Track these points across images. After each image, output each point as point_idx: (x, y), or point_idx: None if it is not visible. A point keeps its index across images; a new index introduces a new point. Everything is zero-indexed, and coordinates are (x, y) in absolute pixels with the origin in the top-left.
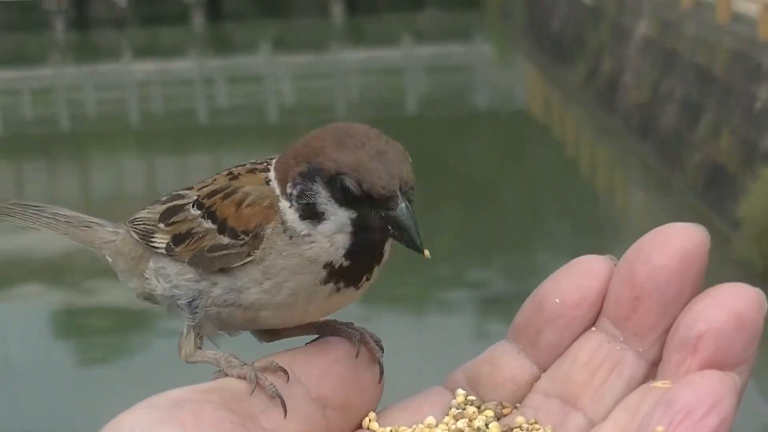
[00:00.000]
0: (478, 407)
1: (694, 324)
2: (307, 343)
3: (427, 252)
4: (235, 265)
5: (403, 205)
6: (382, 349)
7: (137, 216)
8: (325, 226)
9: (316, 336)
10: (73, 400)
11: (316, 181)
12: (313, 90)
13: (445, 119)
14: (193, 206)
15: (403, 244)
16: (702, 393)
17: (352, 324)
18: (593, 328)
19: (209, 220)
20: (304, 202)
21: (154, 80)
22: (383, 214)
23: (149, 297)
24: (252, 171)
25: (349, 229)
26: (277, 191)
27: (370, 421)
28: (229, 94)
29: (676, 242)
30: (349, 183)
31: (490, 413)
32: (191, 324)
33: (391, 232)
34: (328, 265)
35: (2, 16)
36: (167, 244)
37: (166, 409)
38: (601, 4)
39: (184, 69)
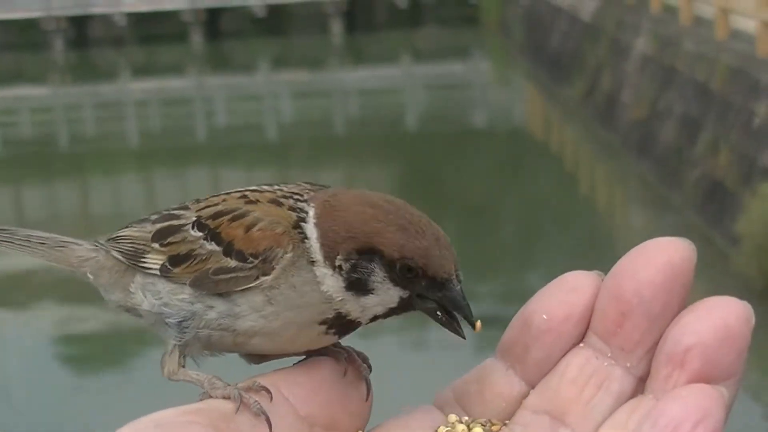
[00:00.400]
0: (468, 425)
1: (681, 338)
2: (294, 364)
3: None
4: (241, 288)
5: (459, 287)
6: (369, 367)
7: (120, 234)
8: (369, 300)
9: (303, 357)
10: (68, 414)
11: (374, 261)
12: (312, 108)
13: (444, 136)
14: (193, 227)
15: (446, 324)
16: (689, 407)
17: (339, 343)
18: (581, 344)
19: (213, 242)
20: (356, 277)
21: (152, 99)
22: (440, 294)
23: (131, 310)
24: (277, 204)
25: (393, 305)
26: (317, 253)
27: None
28: (228, 113)
29: (661, 257)
30: (414, 268)
31: (479, 430)
32: (176, 343)
33: (438, 312)
34: (337, 313)
35: (1, 36)
36: (162, 264)
37: None
38: (599, 21)
39: (183, 88)
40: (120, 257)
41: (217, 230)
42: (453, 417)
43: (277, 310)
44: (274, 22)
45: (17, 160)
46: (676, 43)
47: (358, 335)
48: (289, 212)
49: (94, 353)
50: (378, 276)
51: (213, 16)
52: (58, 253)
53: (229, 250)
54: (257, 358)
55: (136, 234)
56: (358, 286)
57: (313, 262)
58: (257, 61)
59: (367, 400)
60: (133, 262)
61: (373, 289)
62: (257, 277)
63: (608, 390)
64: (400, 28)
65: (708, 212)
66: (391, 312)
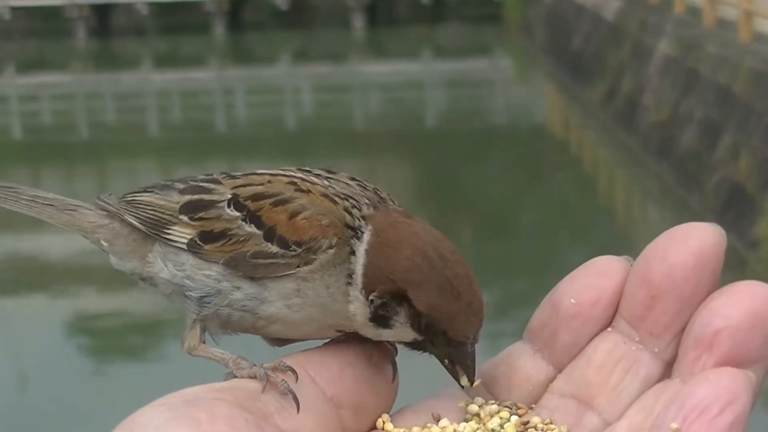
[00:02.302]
0: (493, 408)
1: (710, 321)
2: (320, 345)
3: (477, 383)
4: (280, 274)
5: (472, 349)
6: (395, 349)
7: (139, 199)
8: (386, 332)
9: (329, 339)
10: (85, 402)
11: (402, 306)
12: (332, 102)
13: (463, 134)
14: (229, 206)
15: (450, 371)
16: (717, 390)
17: None
18: (609, 329)
19: (252, 225)
20: (382, 314)
21: (173, 89)
22: (452, 351)
23: (146, 279)
24: (329, 198)
25: (406, 341)
26: (357, 278)
27: (384, 422)
28: (249, 105)
29: (692, 241)
30: (436, 325)
31: (505, 414)
32: (196, 318)
33: (445, 360)
34: (355, 333)
35: (24, 23)
36: (191, 239)
37: (179, 408)
38: (622, 21)
39: (204, 79)
40: (137, 223)
41: (258, 213)
42: (479, 400)
43: (304, 302)
44: (297, 15)
45: (37, 147)
46: (699, 46)
47: None
48: (344, 212)
49: (113, 339)
50: (401, 318)
51: (236, 7)
52: (68, 216)
53: (270, 235)
54: (280, 340)
55: (161, 202)
56: (381, 320)
57: (350, 283)
58: (279, 53)
59: (393, 381)
60: (154, 231)
61: (393, 326)
62: (298, 266)
63: (636, 375)
64: (422, 24)
65: (727, 216)
66: (402, 344)
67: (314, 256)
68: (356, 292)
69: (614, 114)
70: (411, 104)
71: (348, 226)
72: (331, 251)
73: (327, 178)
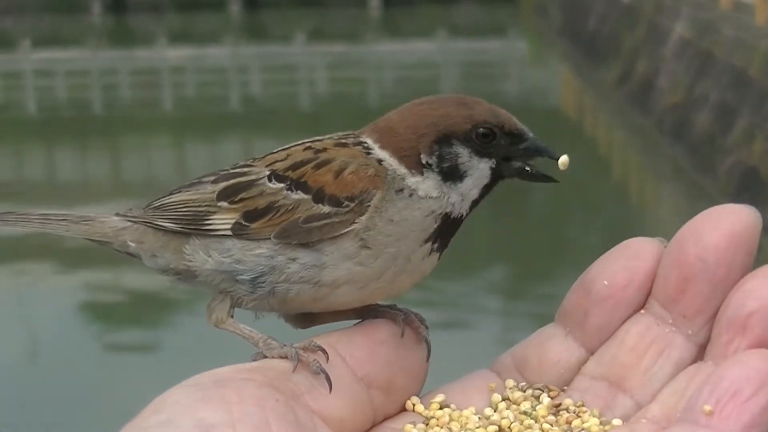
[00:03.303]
0: (525, 390)
1: (744, 302)
2: (350, 326)
3: (564, 158)
4: (336, 234)
5: (532, 134)
6: (426, 327)
7: (167, 202)
8: (466, 183)
9: (359, 320)
10: (100, 383)
11: (453, 144)
12: (347, 80)
13: None
14: (270, 180)
15: (537, 176)
16: (750, 372)
17: (395, 305)
18: (642, 311)
19: (299, 191)
20: (447, 165)
21: (188, 66)
22: (523, 146)
23: (183, 273)
24: (342, 145)
25: (486, 180)
26: (395, 167)
27: (414, 404)
28: (263, 83)
29: (726, 223)
30: (490, 129)
31: (537, 396)
32: (226, 294)
33: (526, 168)
34: (442, 217)
35: None
36: (236, 222)
37: (209, 388)
38: (638, 3)
39: (219, 56)
40: (171, 225)
41: (302, 179)
42: (510, 382)
43: (377, 250)
44: None
45: (52, 123)
46: (715, 28)
47: (415, 302)
48: (356, 148)
49: (125, 320)
50: (464, 155)
51: None
52: (86, 226)
53: (320, 197)
54: (303, 321)
55: (194, 197)
56: (451, 173)
57: (402, 179)
58: (294, 32)
59: (427, 360)
60: (192, 227)
61: (465, 171)
62: (353, 221)
63: (668, 358)
64: (437, 4)
65: (741, 200)
66: (484, 190)
67: (368, 204)
68: (411, 179)
69: (629, 96)
70: (425, 84)
71: (366, 154)
72: (378, 195)
73: (327, 137)
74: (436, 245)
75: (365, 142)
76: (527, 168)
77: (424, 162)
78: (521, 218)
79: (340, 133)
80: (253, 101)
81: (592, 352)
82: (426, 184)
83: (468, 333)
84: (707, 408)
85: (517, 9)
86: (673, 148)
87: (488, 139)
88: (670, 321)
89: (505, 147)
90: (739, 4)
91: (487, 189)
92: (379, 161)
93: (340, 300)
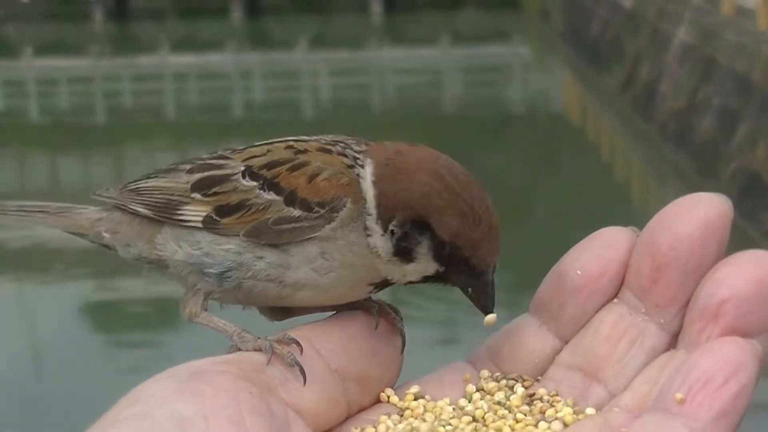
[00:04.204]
0: (499, 381)
1: (715, 291)
2: (325, 318)
3: (492, 317)
4: (304, 238)
5: (491, 278)
6: (401, 319)
7: (143, 186)
8: (410, 267)
9: (334, 312)
10: (103, 385)
11: (424, 235)
12: (350, 87)
13: (481, 119)
14: (244, 177)
15: (472, 301)
16: (722, 360)
17: (370, 297)
18: (615, 300)
19: (271, 192)
20: (404, 245)
21: (191, 73)
22: (473, 282)
23: (154, 262)
24: (325, 150)
25: (430, 274)
26: (372, 210)
27: (388, 396)
28: (266, 89)
29: (698, 212)
30: (459, 253)
31: (511, 386)
32: (198, 287)
33: (468, 289)
34: (384, 280)
35: (42, 6)
36: (207, 215)
37: (185, 380)
38: (640, 9)
39: (222, 63)
40: (144, 210)
41: (275, 180)
42: (485, 373)
43: (331, 265)
44: (315, 0)
45: (54, 130)
46: (718, 34)
47: (390, 291)
48: (339, 157)
49: (128, 322)
50: (424, 248)
51: None
52: (63, 218)
53: (292, 199)
54: (280, 314)
55: (169, 185)
56: (403, 252)
57: (369, 215)
58: (296, 38)
59: (401, 352)
60: (164, 215)
61: (416, 259)
62: (323, 227)
63: (642, 346)
64: (440, 10)
65: (744, 205)
66: (425, 280)
67: (336, 214)
68: (373, 223)
69: (632, 101)
70: (428, 90)
71: (347, 167)
72: (350, 207)
73: (315, 137)
74: (376, 291)
75: (358, 158)
76: (469, 290)
77: (390, 228)
78: (523, 223)
79: (333, 137)
80: (256, 108)
81: (566, 342)
82: (380, 242)
83: (465, 347)
84: (679, 396)
85: (520, 15)
86: (675, 154)
87: (454, 258)
88: (643, 310)
89: (463, 269)
90: (741, 9)
91: (426, 281)
92: (358, 178)
93: (303, 301)
